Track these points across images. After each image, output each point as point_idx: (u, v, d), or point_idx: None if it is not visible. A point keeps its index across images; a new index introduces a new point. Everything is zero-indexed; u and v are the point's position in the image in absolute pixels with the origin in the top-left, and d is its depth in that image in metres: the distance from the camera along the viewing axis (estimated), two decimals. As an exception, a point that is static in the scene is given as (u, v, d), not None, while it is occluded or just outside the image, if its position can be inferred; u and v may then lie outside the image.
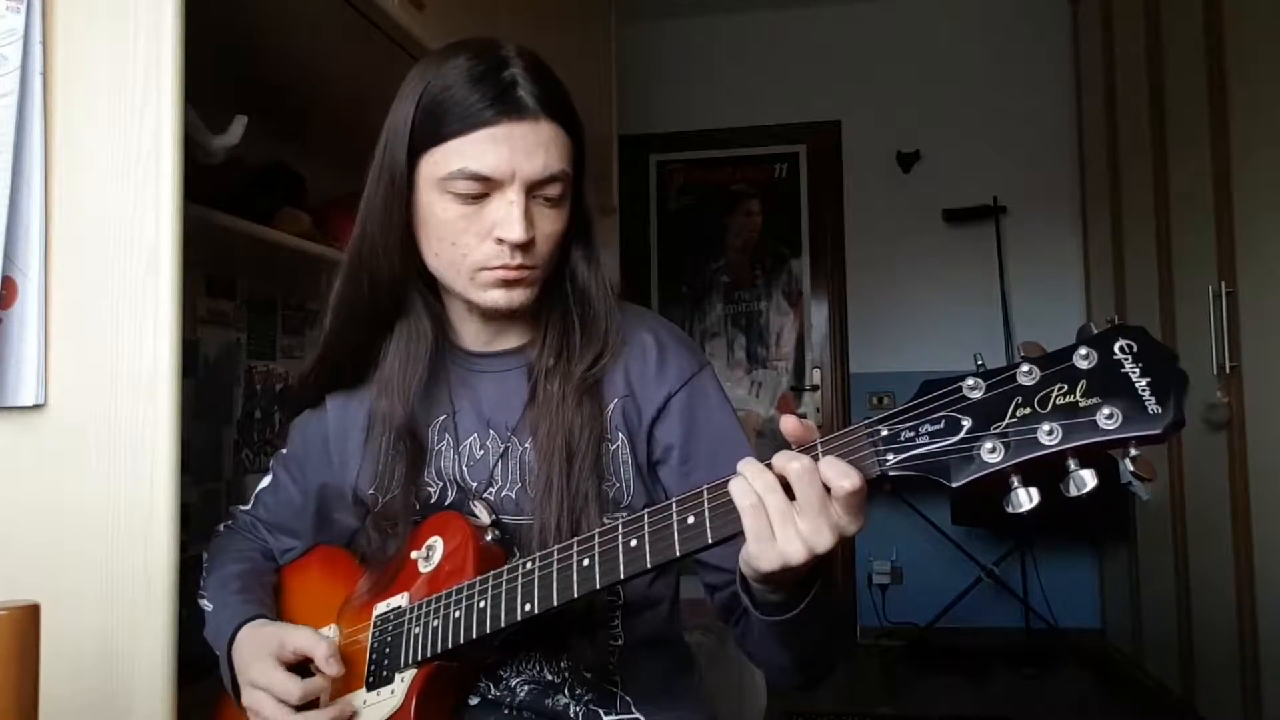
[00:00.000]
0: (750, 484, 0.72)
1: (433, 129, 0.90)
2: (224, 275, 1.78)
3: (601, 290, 1.00)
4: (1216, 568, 2.59)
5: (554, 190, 0.91)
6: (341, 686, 0.95)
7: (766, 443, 3.97)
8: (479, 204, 0.90)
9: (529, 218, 0.90)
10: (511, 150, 0.88)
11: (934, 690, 3.42)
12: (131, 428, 0.95)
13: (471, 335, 1.03)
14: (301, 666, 0.94)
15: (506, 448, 1.00)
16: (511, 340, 1.03)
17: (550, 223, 0.93)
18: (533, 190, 0.90)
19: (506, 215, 0.89)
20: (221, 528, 1.17)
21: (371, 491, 1.02)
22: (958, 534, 3.76)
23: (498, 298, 0.94)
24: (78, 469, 0.96)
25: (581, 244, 1.00)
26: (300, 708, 0.91)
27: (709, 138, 4.28)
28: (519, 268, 0.92)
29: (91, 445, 0.96)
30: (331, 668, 0.91)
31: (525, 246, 0.91)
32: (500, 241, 0.90)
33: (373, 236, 0.96)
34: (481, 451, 1.01)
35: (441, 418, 1.03)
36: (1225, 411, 2.47)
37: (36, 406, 0.96)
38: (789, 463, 0.70)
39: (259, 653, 0.94)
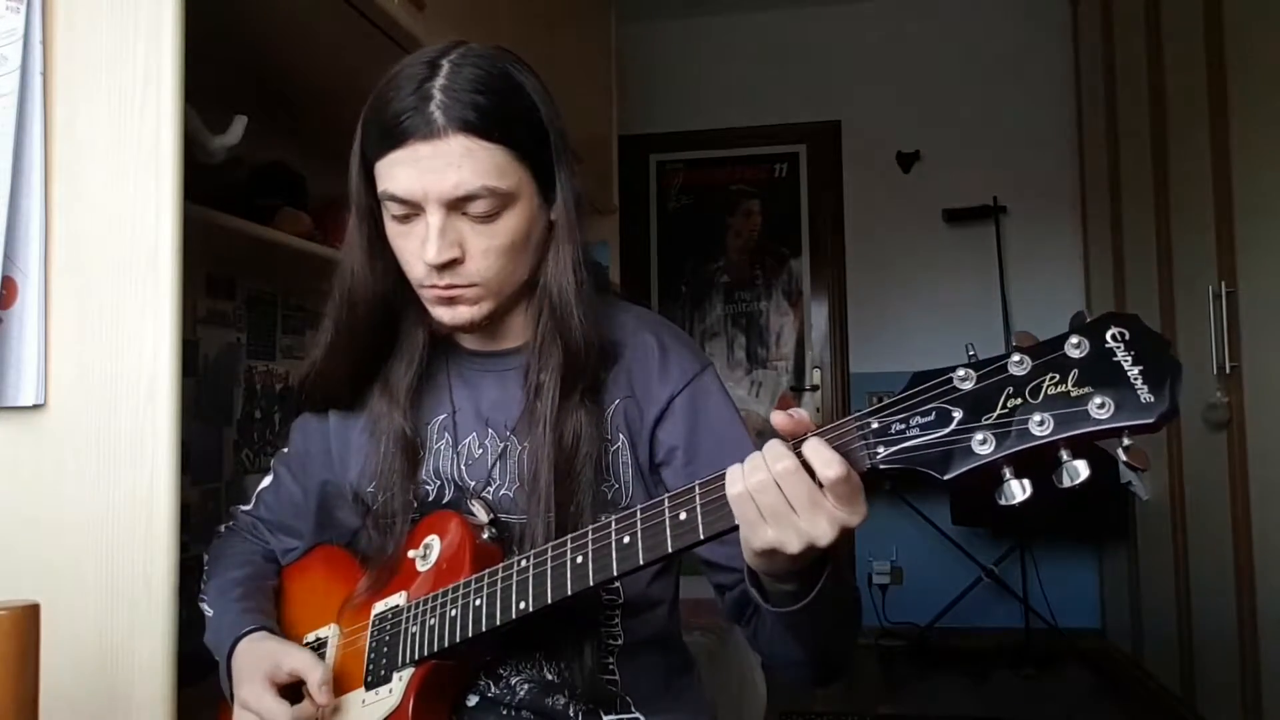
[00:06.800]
0: (744, 479, 0.72)
1: (370, 147, 0.91)
2: (224, 275, 1.78)
3: (580, 296, 0.94)
4: (1216, 568, 2.58)
5: (480, 207, 0.88)
6: (341, 686, 0.95)
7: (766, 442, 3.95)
8: (411, 223, 0.90)
9: (452, 237, 0.88)
10: (419, 172, 0.86)
11: (934, 690, 3.41)
12: (131, 428, 0.95)
13: (471, 336, 1.03)
14: (295, 687, 0.93)
15: (505, 447, 1.00)
16: (510, 340, 1.02)
17: (484, 239, 0.89)
18: (454, 208, 0.88)
19: (425, 236, 0.88)
20: (222, 529, 1.17)
21: (371, 489, 1.02)
22: (958, 534, 3.76)
23: (442, 314, 0.94)
24: (78, 469, 0.96)
25: (555, 250, 0.95)
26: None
27: (709, 138, 4.28)
28: (449, 287, 0.91)
29: (91, 445, 0.96)
30: (323, 696, 0.90)
31: (449, 266, 0.89)
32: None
33: (348, 249, 0.97)
34: (480, 450, 1.01)
35: (441, 417, 1.03)
36: (1225, 411, 2.46)
37: (36, 406, 0.96)
38: (775, 464, 0.70)
39: (253, 671, 0.93)
